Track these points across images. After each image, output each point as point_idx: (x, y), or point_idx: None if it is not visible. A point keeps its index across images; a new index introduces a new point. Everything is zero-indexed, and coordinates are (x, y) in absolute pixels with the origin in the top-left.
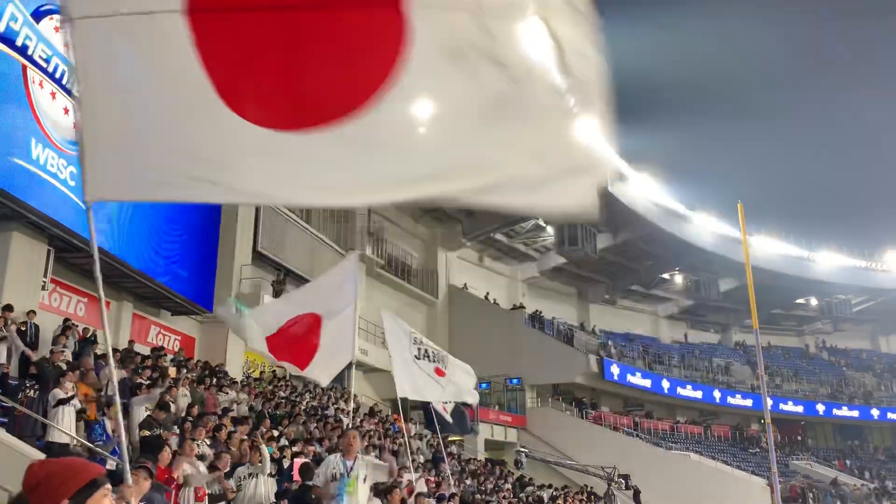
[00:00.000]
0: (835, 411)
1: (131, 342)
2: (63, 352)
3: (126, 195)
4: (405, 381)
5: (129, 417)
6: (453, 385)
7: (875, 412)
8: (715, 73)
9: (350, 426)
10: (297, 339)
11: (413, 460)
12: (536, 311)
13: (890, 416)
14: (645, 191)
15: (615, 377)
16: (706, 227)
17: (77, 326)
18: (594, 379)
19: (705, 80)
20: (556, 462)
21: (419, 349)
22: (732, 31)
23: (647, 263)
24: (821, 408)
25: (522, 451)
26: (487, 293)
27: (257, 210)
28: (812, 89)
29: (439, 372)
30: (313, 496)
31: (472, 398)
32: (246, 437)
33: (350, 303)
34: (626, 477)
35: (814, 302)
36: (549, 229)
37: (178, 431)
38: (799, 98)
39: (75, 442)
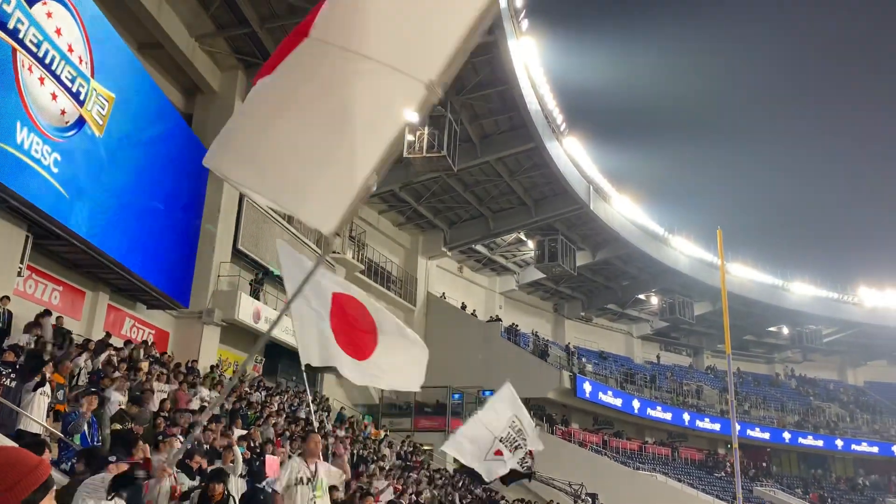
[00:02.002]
0: (800, 440)
1: (108, 333)
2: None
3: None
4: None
5: (102, 409)
6: (501, 463)
7: (839, 443)
8: (701, 99)
9: (325, 431)
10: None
11: (381, 468)
12: (513, 324)
13: (854, 447)
14: (626, 211)
15: (587, 395)
16: (684, 251)
17: (52, 315)
18: (566, 395)
19: (691, 105)
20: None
21: (510, 430)
22: (719, 59)
23: (624, 283)
24: (787, 436)
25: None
26: (464, 303)
27: (239, 207)
28: (794, 123)
29: (498, 452)
30: (262, 497)
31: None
32: (219, 436)
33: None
34: (593, 496)
35: (785, 331)
36: (530, 244)
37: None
38: (780, 130)
39: (46, 432)
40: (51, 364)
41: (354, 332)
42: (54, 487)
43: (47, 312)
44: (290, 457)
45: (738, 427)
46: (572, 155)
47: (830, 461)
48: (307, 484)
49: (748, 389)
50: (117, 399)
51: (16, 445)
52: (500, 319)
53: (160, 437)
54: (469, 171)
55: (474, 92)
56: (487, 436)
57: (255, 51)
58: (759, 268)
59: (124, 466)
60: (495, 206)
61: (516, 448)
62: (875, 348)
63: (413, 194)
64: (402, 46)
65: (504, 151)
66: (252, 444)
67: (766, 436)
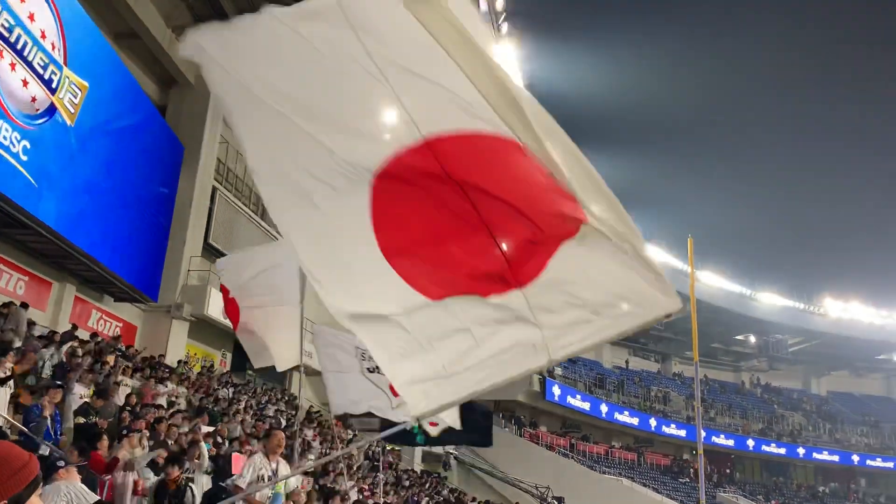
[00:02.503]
0: (763, 447)
1: (74, 325)
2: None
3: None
4: (341, 397)
5: (65, 403)
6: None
7: (801, 451)
8: (674, 108)
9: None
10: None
11: (349, 466)
12: None
13: (815, 455)
14: None
15: (556, 398)
16: (655, 258)
17: (15, 305)
18: (535, 398)
19: (665, 114)
20: (488, 472)
21: (369, 360)
22: (692, 69)
23: None
24: (751, 443)
25: (451, 454)
26: None
27: (211, 202)
28: (765, 135)
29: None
30: (225, 496)
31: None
32: (185, 433)
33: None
34: (560, 499)
35: (752, 339)
36: None
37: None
38: (752, 141)
39: (6, 424)
40: (11, 354)
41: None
42: (41, 485)
43: (24, 305)
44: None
45: (703, 433)
46: None
47: (792, 469)
48: (268, 481)
49: (714, 396)
50: (80, 392)
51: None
52: None
53: (124, 432)
54: None
55: None
56: (355, 377)
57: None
58: (728, 277)
59: (74, 472)
60: None
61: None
62: (838, 359)
63: None
64: None
65: None
66: (218, 441)
67: (731, 443)
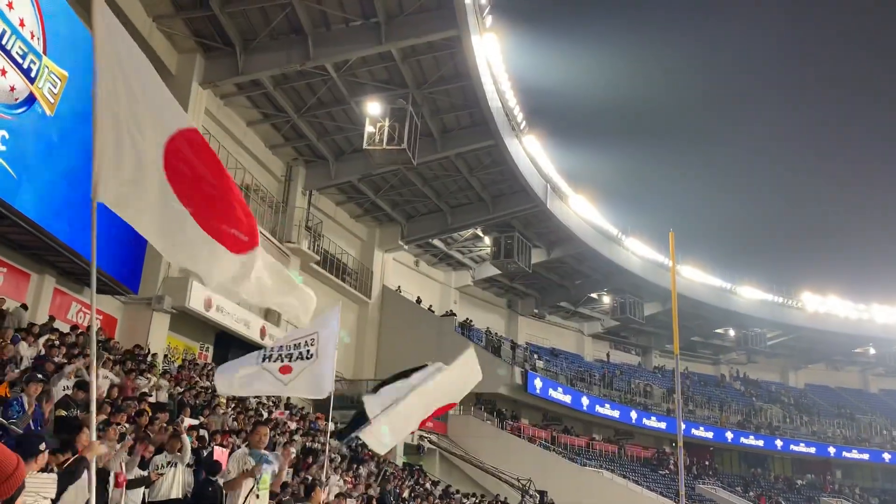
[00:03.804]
0: (742, 439)
1: (51, 318)
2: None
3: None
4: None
5: (49, 395)
6: (303, 382)
7: (779, 443)
8: (657, 103)
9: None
10: None
11: (332, 459)
12: (467, 319)
13: (792, 447)
14: (581, 211)
15: (538, 391)
16: (636, 252)
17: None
18: (517, 391)
19: (648, 109)
20: (466, 459)
21: (269, 351)
22: (675, 64)
23: (577, 282)
24: (729, 435)
25: (426, 438)
26: (420, 297)
27: None
28: (746, 130)
29: (285, 370)
30: (211, 489)
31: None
32: (166, 425)
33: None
34: (542, 493)
35: (731, 333)
36: (487, 240)
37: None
38: (733, 136)
39: None
40: None
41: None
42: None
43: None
44: (236, 448)
45: (683, 426)
46: (531, 153)
47: (770, 461)
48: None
49: (694, 389)
50: (62, 384)
51: None
52: (454, 314)
53: (104, 425)
54: (428, 166)
55: (436, 86)
56: (251, 369)
57: (214, 34)
58: (708, 271)
59: (52, 458)
60: (453, 201)
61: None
62: (815, 352)
63: (371, 186)
64: None
65: (464, 147)
66: (200, 434)
67: (710, 435)
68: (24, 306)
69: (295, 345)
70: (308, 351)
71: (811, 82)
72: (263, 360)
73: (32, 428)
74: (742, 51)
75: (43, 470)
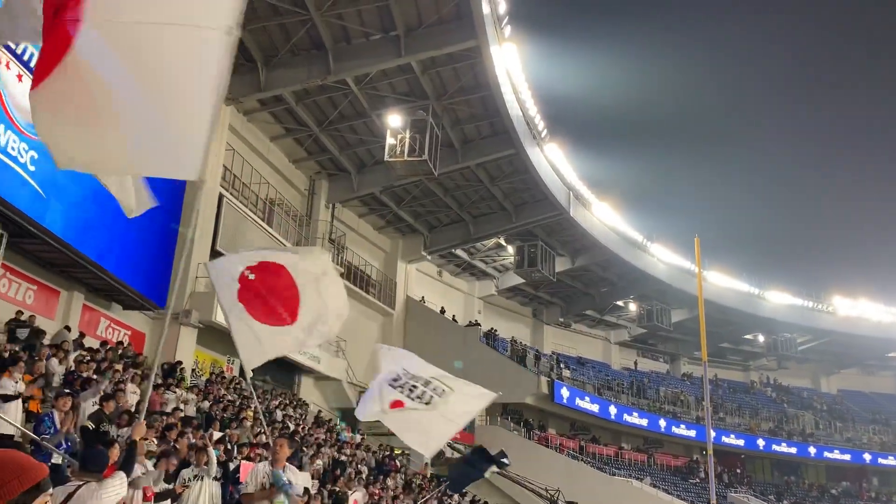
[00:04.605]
0: (774, 447)
1: (82, 334)
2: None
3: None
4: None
5: (77, 411)
6: (402, 418)
7: (812, 450)
8: (680, 107)
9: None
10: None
11: (358, 472)
12: (491, 329)
13: (826, 454)
14: (605, 218)
15: (564, 400)
16: (662, 258)
17: (23, 314)
18: (544, 401)
19: (671, 114)
20: (498, 473)
21: (400, 377)
22: (699, 68)
23: (603, 289)
24: (761, 443)
25: (453, 449)
26: (443, 308)
27: (218, 209)
28: (772, 133)
29: (396, 404)
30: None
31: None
32: (194, 439)
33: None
34: (572, 503)
35: (761, 338)
36: (510, 249)
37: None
38: (759, 140)
39: (20, 434)
40: (21, 364)
41: (273, 296)
42: (49, 491)
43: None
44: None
45: (713, 434)
46: (553, 161)
47: (803, 468)
48: (269, 488)
49: (724, 396)
50: (92, 400)
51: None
52: (479, 324)
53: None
54: (450, 176)
55: (456, 97)
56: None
57: (237, 51)
58: (735, 276)
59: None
60: (475, 210)
61: (425, 400)
62: (848, 357)
63: (393, 198)
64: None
65: (485, 157)
66: (228, 447)
67: (741, 442)
68: (67, 328)
69: (425, 382)
70: (431, 397)
71: (840, 83)
72: (392, 381)
73: (63, 444)
74: (768, 53)
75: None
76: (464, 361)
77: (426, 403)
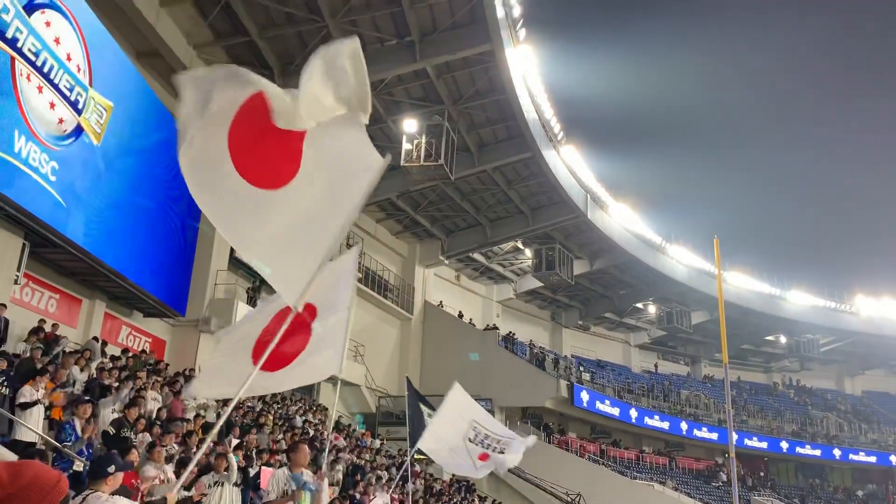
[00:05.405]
0: (798, 449)
1: (104, 342)
2: (37, 349)
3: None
4: (439, 446)
5: (98, 418)
6: (491, 464)
7: (837, 452)
8: (698, 108)
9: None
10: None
11: (378, 477)
12: (510, 332)
13: (851, 457)
14: (623, 220)
15: (584, 404)
16: (681, 260)
17: (46, 323)
18: (563, 404)
19: (689, 114)
20: (515, 474)
21: (476, 433)
22: (717, 68)
23: (622, 292)
24: (784, 445)
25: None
26: (461, 312)
27: None
28: (791, 132)
29: (483, 457)
30: None
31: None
32: (214, 445)
33: (346, 306)
34: None
35: (783, 340)
36: (528, 252)
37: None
38: (778, 139)
39: (42, 441)
40: (46, 376)
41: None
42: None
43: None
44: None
45: (735, 436)
46: (569, 164)
47: (828, 471)
48: (306, 492)
49: (746, 398)
50: (111, 408)
51: (16, 458)
52: (497, 328)
53: (150, 446)
54: (466, 180)
55: (472, 101)
56: (457, 440)
57: (253, 59)
58: (756, 277)
59: (121, 477)
60: (492, 214)
61: (499, 450)
62: (872, 358)
63: (410, 203)
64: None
65: (501, 160)
66: (247, 453)
67: (764, 445)
68: (96, 338)
69: (497, 439)
70: (501, 447)
71: (858, 82)
72: (469, 440)
73: (84, 451)
74: (787, 52)
75: (116, 492)
76: (483, 365)
77: (500, 453)
